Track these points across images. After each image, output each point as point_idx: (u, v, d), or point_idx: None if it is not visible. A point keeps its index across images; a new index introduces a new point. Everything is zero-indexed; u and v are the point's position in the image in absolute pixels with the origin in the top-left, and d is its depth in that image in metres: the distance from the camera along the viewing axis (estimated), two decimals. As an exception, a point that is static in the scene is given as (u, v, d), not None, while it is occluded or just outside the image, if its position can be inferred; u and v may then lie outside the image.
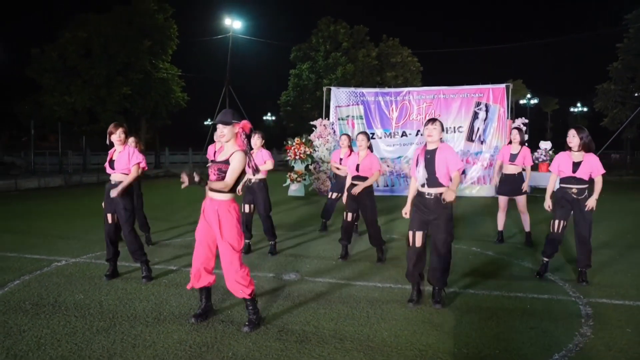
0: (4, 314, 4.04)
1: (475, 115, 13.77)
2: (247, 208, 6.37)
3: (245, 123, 3.80)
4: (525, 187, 6.76)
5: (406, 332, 3.69)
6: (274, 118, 54.33)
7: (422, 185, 4.26)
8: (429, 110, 14.11)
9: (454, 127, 13.93)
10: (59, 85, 22.02)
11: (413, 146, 14.09)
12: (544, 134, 47.91)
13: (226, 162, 3.69)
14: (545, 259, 5.25)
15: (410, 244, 4.30)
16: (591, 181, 5.03)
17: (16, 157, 22.95)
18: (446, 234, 4.18)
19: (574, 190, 4.98)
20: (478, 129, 13.73)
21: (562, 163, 5.06)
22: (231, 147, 3.74)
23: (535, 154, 13.02)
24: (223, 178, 3.67)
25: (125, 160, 5.04)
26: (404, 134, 14.28)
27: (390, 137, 14.37)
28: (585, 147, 4.95)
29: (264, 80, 57.87)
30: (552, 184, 5.29)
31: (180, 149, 38.01)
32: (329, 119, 14.60)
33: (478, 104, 13.76)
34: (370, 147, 6.07)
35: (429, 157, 4.22)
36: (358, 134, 6.20)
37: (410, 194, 4.48)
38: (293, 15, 77.54)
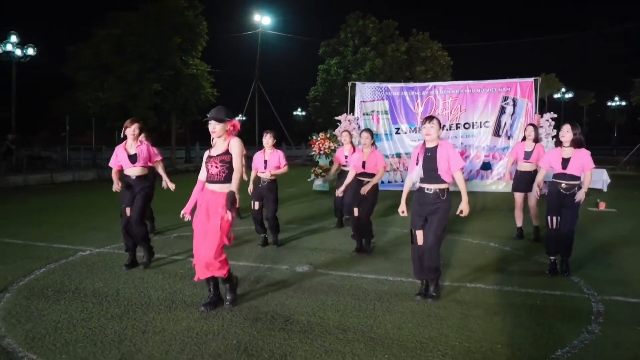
0: (28, 299, 4.26)
1: (502, 110, 13.53)
2: (256, 205, 6.50)
3: (236, 122, 4.06)
4: (539, 186, 5.68)
5: (410, 325, 3.72)
6: (304, 113, 54.47)
7: (421, 182, 4.29)
8: (454, 105, 13.95)
9: (480, 122, 13.72)
10: (93, 82, 22.66)
11: (438, 141, 13.94)
12: (579, 129, 46.44)
13: (226, 153, 3.93)
14: (552, 258, 5.17)
15: (413, 242, 4.33)
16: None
17: (53, 152, 23.73)
18: (439, 229, 4.20)
19: (563, 186, 4.99)
20: (505, 123, 13.49)
21: (553, 159, 5.07)
22: (222, 141, 3.95)
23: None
24: (226, 169, 3.91)
25: (145, 155, 5.27)
26: (429, 129, 14.13)
27: (416, 132, 14.24)
28: (576, 143, 4.92)
29: (293, 75, 58.10)
30: (540, 177, 5.39)
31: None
32: (353, 114, 14.59)
33: (505, 98, 13.51)
34: (374, 144, 6.14)
35: (429, 155, 4.24)
36: (362, 131, 6.29)
37: (405, 191, 4.50)
38: (322, 10, 77.37)
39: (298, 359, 3.14)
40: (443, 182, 4.22)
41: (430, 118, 4.27)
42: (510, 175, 7.41)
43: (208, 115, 4.00)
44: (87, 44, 22.72)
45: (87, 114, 22.98)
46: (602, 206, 10.00)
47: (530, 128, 6.77)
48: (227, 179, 3.93)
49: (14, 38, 19.06)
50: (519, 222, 6.96)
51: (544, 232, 5.55)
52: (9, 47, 18.90)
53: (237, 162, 3.95)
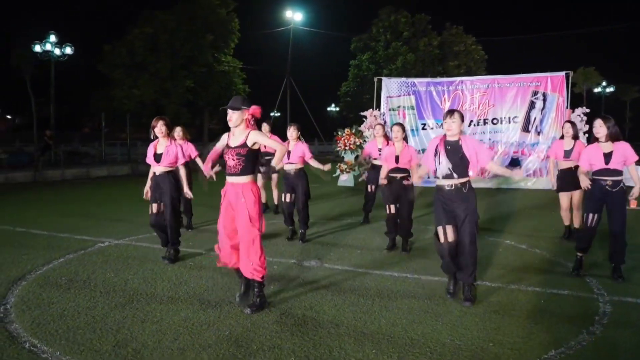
0: (41, 287, 4.46)
1: (532, 105, 13.18)
2: (287, 197, 6.55)
3: (255, 108, 3.94)
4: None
5: (404, 321, 3.71)
6: (337, 109, 54.44)
7: (444, 177, 4.18)
8: (482, 100, 13.68)
9: (509, 117, 13.40)
10: (128, 79, 23.40)
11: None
12: (621, 124, 44.73)
13: (243, 146, 3.87)
14: (580, 254, 4.99)
15: (442, 240, 4.17)
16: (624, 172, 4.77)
17: (91, 147, 24.62)
18: (472, 227, 4.10)
19: (609, 183, 4.72)
20: (535, 119, 13.13)
21: (593, 156, 4.80)
22: (241, 131, 3.91)
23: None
24: (242, 162, 3.86)
25: (173, 155, 5.35)
26: (455, 125, 13.91)
27: (442, 128, 13.98)
28: (612, 137, 4.69)
29: (325, 71, 58.06)
30: (582, 177, 5.01)
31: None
32: (380, 110, 14.50)
33: (535, 93, 13.16)
34: (405, 139, 6.03)
35: (450, 148, 4.13)
36: (393, 125, 6.12)
37: (415, 177, 4.48)
38: (354, 6, 76.90)
39: (285, 352, 3.18)
40: (466, 175, 4.13)
41: (451, 112, 4.17)
42: (553, 176, 6.99)
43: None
44: (122, 43, 23.41)
45: (123, 110, 23.73)
46: (633, 204, 9.62)
47: (568, 125, 6.44)
48: (243, 172, 3.89)
49: (52, 38, 19.80)
50: (566, 221, 6.68)
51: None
52: (47, 47, 19.64)
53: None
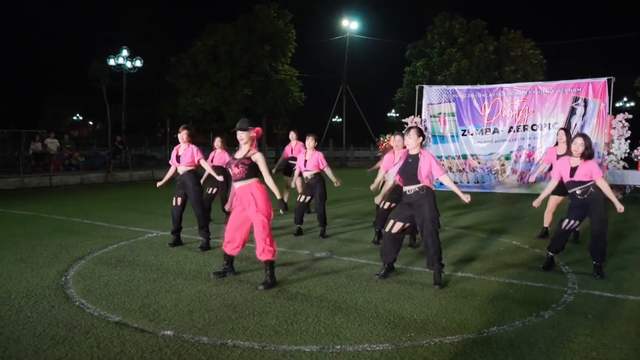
0: (95, 265, 5.51)
1: (573, 111, 13.18)
2: (302, 198, 7.35)
3: (259, 129, 4.87)
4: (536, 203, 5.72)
5: (379, 301, 4.36)
6: (397, 115, 54.65)
7: (405, 184, 4.89)
8: (522, 106, 13.82)
9: (549, 124, 13.48)
10: (192, 88, 25.11)
11: (505, 143, 13.95)
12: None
13: (247, 158, 4.76)
14: (551, 254, 5.44)
15: (387, 230, 4.96)
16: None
17: (158, 151, 26.65)
18: (432, 221, 4.74)
19: (578, 192, 5.16)
20: (575, 125, 13.12)
21: (563, 168, 5.28)
22: (246, 147, 4.79)
23: (635, 151, 12.14)
24: (245, 169, 4.75)
25: (189, 155, 6.35)
26: (495, 131, 14.15)
27: (482, 134, 14.33)
28: (585, 156, 5.11)
29: (381, 77, 58.53)
30: (549, 189, 5.66)
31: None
32: (421, 117, 14.98)
33: (576, 99, 13.16)
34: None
35: (410, 161, 4.85)
36: (396, 134, 6.47)
37: (387, 184, 5.39)
38: (410, 13, 76.72)
39: (270, 316, 3.96)
40: (422, 182, 4.79)
41: (408, 129, 4.89)
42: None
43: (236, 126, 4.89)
44: (187, 54, 25.19)
45: (187, 117, 25.52)
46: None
47: (562, 132, 6.87)
48: (247, 177, 4.76)
49: (125, 52, 21.79)
50: (546, 223, 7.15)
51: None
52: (120, 60, 21.66)
53: (263, 171, 4.80)
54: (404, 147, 6.39)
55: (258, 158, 4.80)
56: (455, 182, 14.03)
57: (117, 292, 4.54)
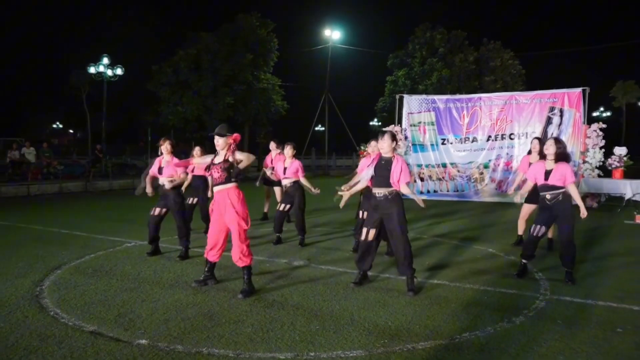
0: (72, 275, 5.46)
1: (549, 121, 13.50)
2: (282, 207, 7.38)
3: (237, 136, 4.87)
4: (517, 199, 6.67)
5: (355, 308, 4.41)
6: (380, 123, 55.07)
7: (375, 186, 4.96)
8: (500, 116, 14.12)
9: (527, 133, 13.77)
10: (173, 96, 25.07)
11: (484, 152, 14.19)
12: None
13: (225, 162, 4.78)
14: (524, 261, 5.56)
15: (363, 238, 5.02)
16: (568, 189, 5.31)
17: (139, 160, 26.46)
18: (400, 226, 4.82)
19: (547, 197, 5.30)
20: (552, 134, 13.41)
21: (538, 172, 5.41)
22: (223, 153, 4.82)
23: (609, 160, 12.45)
24: (225, 173, 4.78)
25: (172, 167, 6.35)
26: (474, 140, 14.39)
27: (461, 143, 14.55)
28: (558, 157, 5.25)
29: (363, 87, 59.06)
30: (517, 182, 6.28)
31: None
32: (401, 126, 15.15)
33: (552, 109, 13.48)
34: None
35: (383, 163, 4.91)
36: (372, 140, 6.64)
37: (359, 184, 5.32)
38: (391, 23, 77.80)
39: (246, 324, 3.98)
40: (392, 186, 4.88)
41: (382, 133, 4.96)
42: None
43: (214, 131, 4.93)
44: (168, 63, 25.14)
45: (168, 126, 25.42)
46: (639, 219, 9.84)
47: (536, 141, 6.97)
48: (227, 180, 4.79)
49: (105, 60, 21.66)
50: (520, 231, 7.31)
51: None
52: (101, 68, 21.52)
53: (243, 155, 4.85)
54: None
55: (236, 154, 4.83)
56: (435, 191, 14.44)
57: (93, 301, 4.52)
